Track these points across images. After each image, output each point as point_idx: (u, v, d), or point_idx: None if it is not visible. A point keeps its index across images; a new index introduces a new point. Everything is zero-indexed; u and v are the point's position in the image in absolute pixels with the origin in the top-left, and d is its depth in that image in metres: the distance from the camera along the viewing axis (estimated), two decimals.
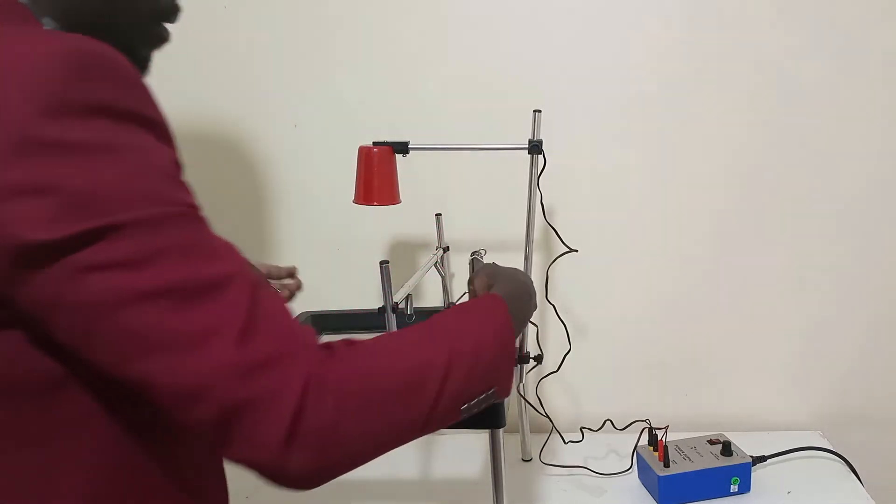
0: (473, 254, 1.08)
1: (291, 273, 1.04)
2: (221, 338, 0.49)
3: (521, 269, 1.07)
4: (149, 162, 0.51)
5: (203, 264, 0.51)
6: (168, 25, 0.68)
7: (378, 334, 0.61)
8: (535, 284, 0.85)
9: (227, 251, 0.54)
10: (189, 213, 0.52)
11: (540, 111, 1.02)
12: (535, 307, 0.83)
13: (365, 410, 0.53)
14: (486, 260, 1.05)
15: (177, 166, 0.54)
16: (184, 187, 0.54)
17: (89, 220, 0.47)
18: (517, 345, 1.06)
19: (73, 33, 0.51)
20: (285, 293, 1.00)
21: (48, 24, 0.58)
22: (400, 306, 0.94)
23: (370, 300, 1.24)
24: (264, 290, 0.54)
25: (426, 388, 0.58)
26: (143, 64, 0.68)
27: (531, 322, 0.93)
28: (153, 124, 0.53)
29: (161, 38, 0.69)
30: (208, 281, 0.50)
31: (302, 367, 0.51)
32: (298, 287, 1.04)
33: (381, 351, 0.58)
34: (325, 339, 1.15)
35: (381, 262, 0.90)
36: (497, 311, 0.68)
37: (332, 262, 1.33)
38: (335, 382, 0.52)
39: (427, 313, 1.00)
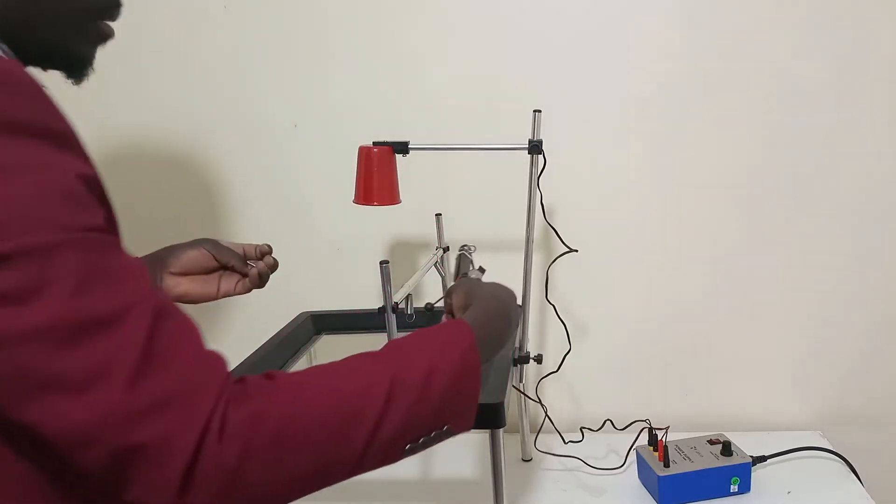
0: (462, 248, 1.06)
1: (265, 252, 0.97)
2: (111, 378, 0.46)
3: (523, 269, 1.07)
4: (42, 180, 0.47)
5: (97, 296, 0.47)
6: (112, 23, 0.66)
7: (308, 369, 0.57)
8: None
9: (128, 277, 0.50)
10: (85, 240, 0.48)
11: (540, 111, 1.02)
12: (516, 328, 0.78)
13: (279, 451, 0.50)
14: (475, 258, 1.05)
15: (80, 181, 0.50)
16: (86, 206, 0.50)
17: None
18: (516, 344, 1.06)
19: None
20: (254, 273, 0.94)
21: None
22: (400, 306, 0.94)
23: (370, 300, 1.24)
24: (170, 319, 0.50)
25: (358, 424, 0.53)
26: (82, 62, 0.65)
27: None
28: (52, 134, 0.49)
29: (101, 35, 0.66)
30: (101, 315, 0.47)
31: (202, 407, 0.48)
32: (272, 267, 0.97)
33: (306, 383, 0.54)
34: (325, 339, 1.14)
35: (381, 262, 0.90)
36: (460, 339, 0.62)
37: (332, 262, 1.33)
38: (241, 421, 0.49)
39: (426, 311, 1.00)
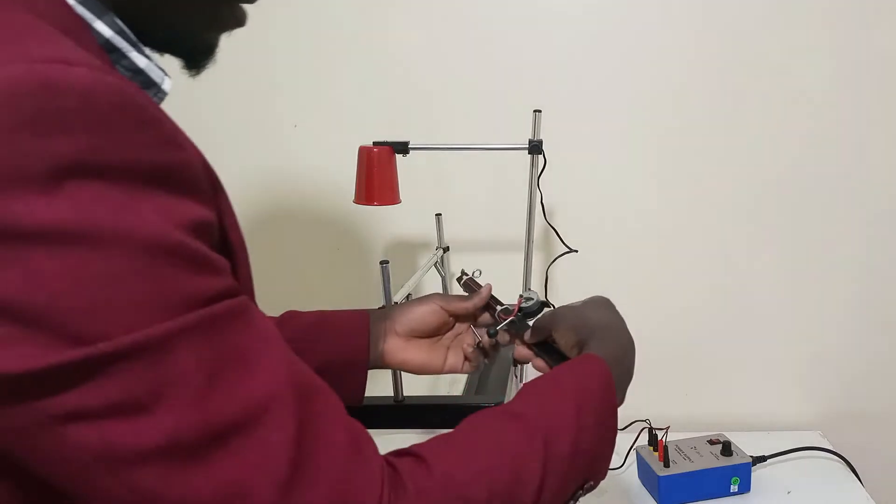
0: (463, 276, 0.98)
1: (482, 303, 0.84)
2: (255, 498, 0.38)
3: (523, 269, 1.06)
4: (149, 242, 0.38)
5: (227, 395, 0.39)
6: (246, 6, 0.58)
7: (453, 435, 0.51)
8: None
9: (262, 357, 0.41)
10: (205, 320, 0.39)
11: (540, 111, 1.02)
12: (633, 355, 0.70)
13: None
14: (473, 268, 1.01)
15: (189, 231, 0.40)
16: (200, 266, 0.40)
17: (58, 350, 0.35)
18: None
19: (26, 41, 0.38)
20: (485, 342, 0.82)
21: None
22: None
23: (370, 300, 1.24)
24: (314, 399, 0.43)
25: None
26: (206, 50, 0.57)
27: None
28: (160, 174, 0.40)
29: (235, 20, 0.57)
30: (235, 418, 0.39)
31: None
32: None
33: (459, 466, 0.48)
34: None
35: (381, 262, 0.90)
36: (598, 384, 0.58)
37: (332, 262, 1.33)
38: None
39: None
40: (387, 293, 0.91)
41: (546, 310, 0.79)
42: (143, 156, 0.39)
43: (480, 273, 1.02)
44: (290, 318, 0.83)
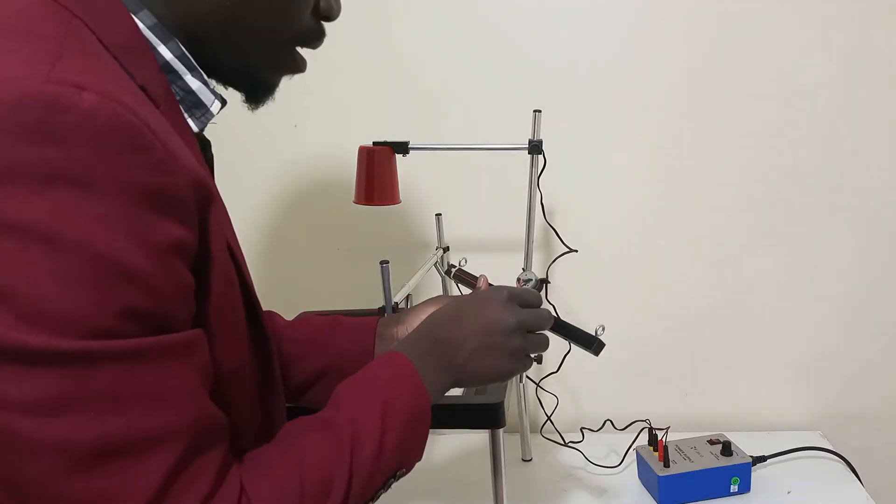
0: (452, 268, 1.02)
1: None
2: None
3: (527, 267, 1.06)
4: (110, 259, 0.42)
5: (127, 421, 0.43)
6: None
7: (271, 459, 0.55)
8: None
9: (176, 395, 0.46)
10: (137, 349, 0.44)
11: (540, 111, 1.02)
12: (482, 339, 0.66)
13: None
14: (473, 268, 1.02)
15: (174, 249, 0.46)
16: (161, 294, 0.45)
17: (5, 331, 0.40)
18: None
19: (55, 63, 0.44)
20: None
21: (145, 18, 0.54)
22: (400, 306, 0.94)
23: (370, 300, 1.24)
24: (209, 451, 0.48)
25: None
26: (267, 88, 0.64)
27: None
28: (145, 194, 0.44)
29: (295, 65, 0.64)
30: (125, 443, 0.43)
31: None
32: None
33: (276, 498, 0.52)
34: None
35: (381, 262, 0.90)
36: (408, 385, 0.62)
37: (332, 262, 1.33)
38: None
39: None
40: (387, 293, 0.91)
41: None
42: (132, 176, 0.43)
43: (466, 261, 1.03)
44: (306, 320, 0.88)
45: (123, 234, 0.43)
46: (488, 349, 0.66)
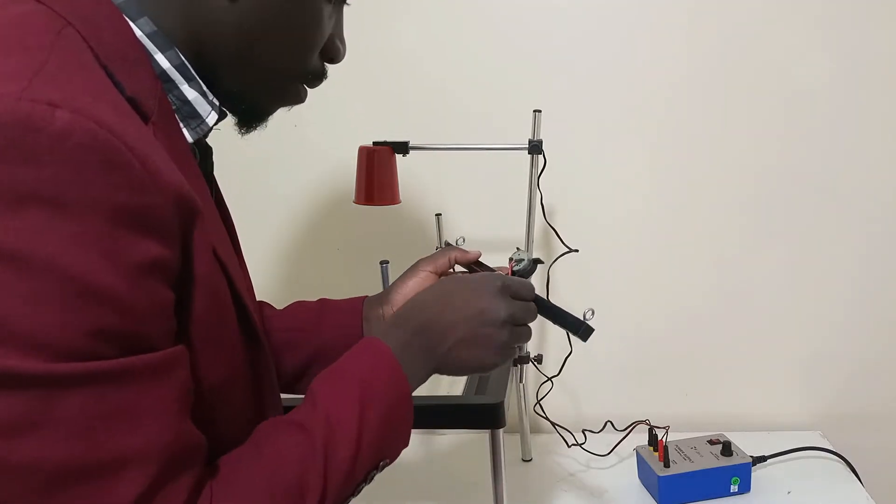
0: (448, 246, 1.01)
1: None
2: None
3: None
4: (80, 280, 0.42)
5: (95, 445, 0.42)
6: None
7: (241, 464, 0.54)
8: (535, 285, 0.81)
9: (148, 416, 0.45)
10: (108, 371, 0.43)
11: (540, 111, 1.02)
12: (466, 327, 0.65)
13: None
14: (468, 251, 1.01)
15: (153, 269, 0.45)
16: (134, 316, 0.44)
17: None
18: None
19: (32, 80, 0.43)
20: None
21: (144, 26, 0.53)
22: None
23: None
24: (183, 474, 0.47)
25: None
26: (261, 117, 0.65)
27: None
28: (121, 214, 0.43)
29: (295, 98, 0.65)
30: (92, 466, 0.42)
31: None
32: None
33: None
34: None
35: (381, 262, 0.90)
36: (386, 376, 0.60)
37: (332, 262, 1.33)
38: None
39: None
40: None
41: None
42: (106, 195, 0.42)
43: (464, 240, 1.03)
44: (294, 307, 0.87)
45: (96, 254, 0.42)
46: (475, 340, 0.65)
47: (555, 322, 0.74)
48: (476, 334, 0.65)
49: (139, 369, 0.45)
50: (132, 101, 0.49)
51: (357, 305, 0.84)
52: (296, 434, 0.56)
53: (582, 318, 0.73)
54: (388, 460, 0.61)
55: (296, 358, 0.81)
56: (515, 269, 0.81)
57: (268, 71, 0.60)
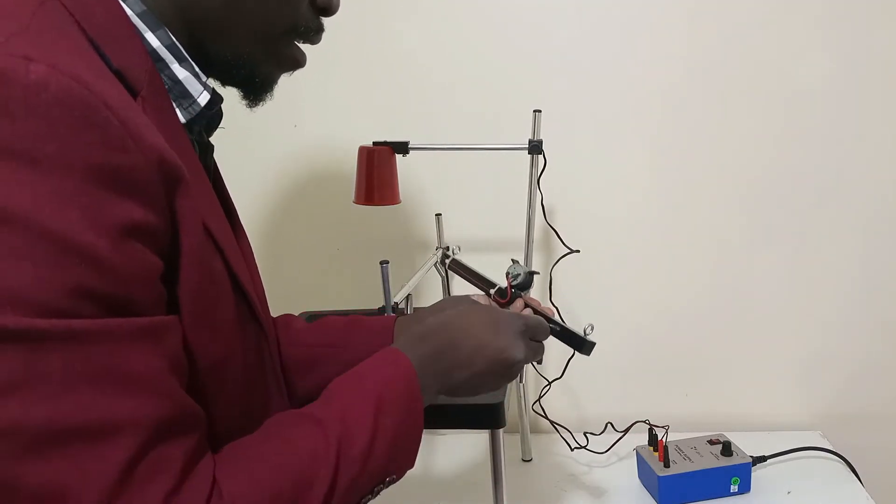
0: (446, 258, 1.02)
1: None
2: (72, 502, 0.40)
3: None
4: (58, 236, 0.40)
5: (80, 404, 0.41)
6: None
7: (249, 452, 0.52)
8: (536, 285, 0.82)
9: (141, 382, 0.44)
10: (92, 329, 0.42)
11: (540, 111, 1.02)
12: (484, 356, 0.66)
13: None
14: (465, 258, 1.02)
15: (134, 231, 0.44)
16: (117, 275, 0.43)
17: None
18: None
19: (10, 38, 0.42)
20: None
21: (133, 5, 0.53)
22: (400, 306, 0.94)
23: (370, 300, 1.24)
24: (176, 441, 0.45)
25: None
26: (264, 85, 0.62)
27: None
28: (99, 173, 0.42)
29: (293, 61, 0.63)
30: (79, 428, 0.41)
31: None
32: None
33: (249, 490, 0.50)
34: None
35: (381, 262, 0.90)
36: (403, 386, 0.60)
37: (332, 262, 1.33)
38: None
39: None
40: (387, 293, 0.91)
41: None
42: (83, 153, 0.41)
43: (459, 249, 1.03)
44: (324, 323, 0.86)
45: (75, 212, 0.41)
46: (490, 374, 0.67)
47: (560, 340, 0.80)
48: (492, 371, 0.67)
49: (126, 331, 0.43)
50: (119, 74, 0.48)
51: (389, 324, 0.82)
52: (310, 426, 0.55)
53: (583, 335, 0.78)
54: (394, 476, 0.60)
55: (322, 374, 0.78)
56: (514, 283, 0.82)
57: (257, 30, 0.59)
